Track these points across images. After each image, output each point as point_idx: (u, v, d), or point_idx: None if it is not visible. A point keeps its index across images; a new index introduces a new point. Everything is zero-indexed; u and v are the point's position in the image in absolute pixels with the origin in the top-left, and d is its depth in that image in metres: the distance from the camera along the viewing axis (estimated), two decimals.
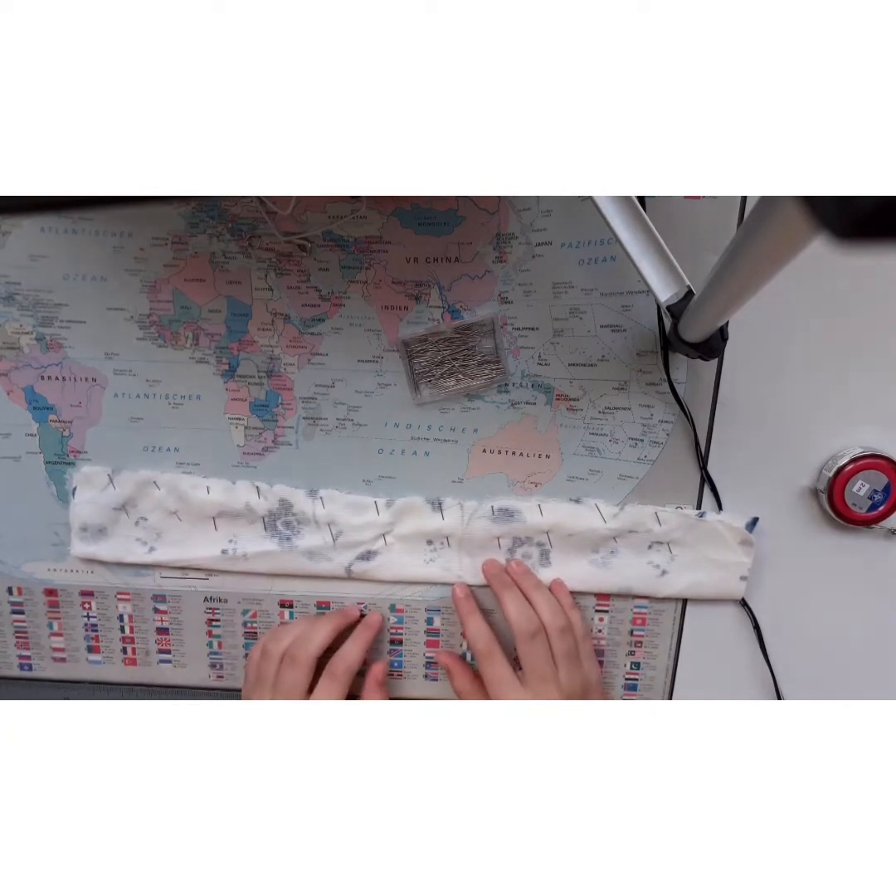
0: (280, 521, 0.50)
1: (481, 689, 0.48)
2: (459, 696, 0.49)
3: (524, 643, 0.46)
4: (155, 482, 0.50)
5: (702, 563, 0.49)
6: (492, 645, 0.47)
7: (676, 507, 0.49)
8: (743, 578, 0.49)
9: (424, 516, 0.50)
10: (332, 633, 0.49)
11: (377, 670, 0.50)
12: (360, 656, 0.49)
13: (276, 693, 0.47)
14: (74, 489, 0.50)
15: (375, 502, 0.50)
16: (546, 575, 0.50)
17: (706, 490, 0.49)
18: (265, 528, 0.50)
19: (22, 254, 0.47)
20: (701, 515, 0.49)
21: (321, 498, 0.50)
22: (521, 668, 0.47)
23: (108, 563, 0.51)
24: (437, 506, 0.50)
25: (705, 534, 0.49)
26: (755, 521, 0.48)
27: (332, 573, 0.51)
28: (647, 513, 0.49)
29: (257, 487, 0.50)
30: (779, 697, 0.51)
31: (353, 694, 0.50)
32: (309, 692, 0.48)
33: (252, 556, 0.50)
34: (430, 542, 0.50)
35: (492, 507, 0.49)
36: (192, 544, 0.51)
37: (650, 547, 0.49)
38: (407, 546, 0.50)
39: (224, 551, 0.50)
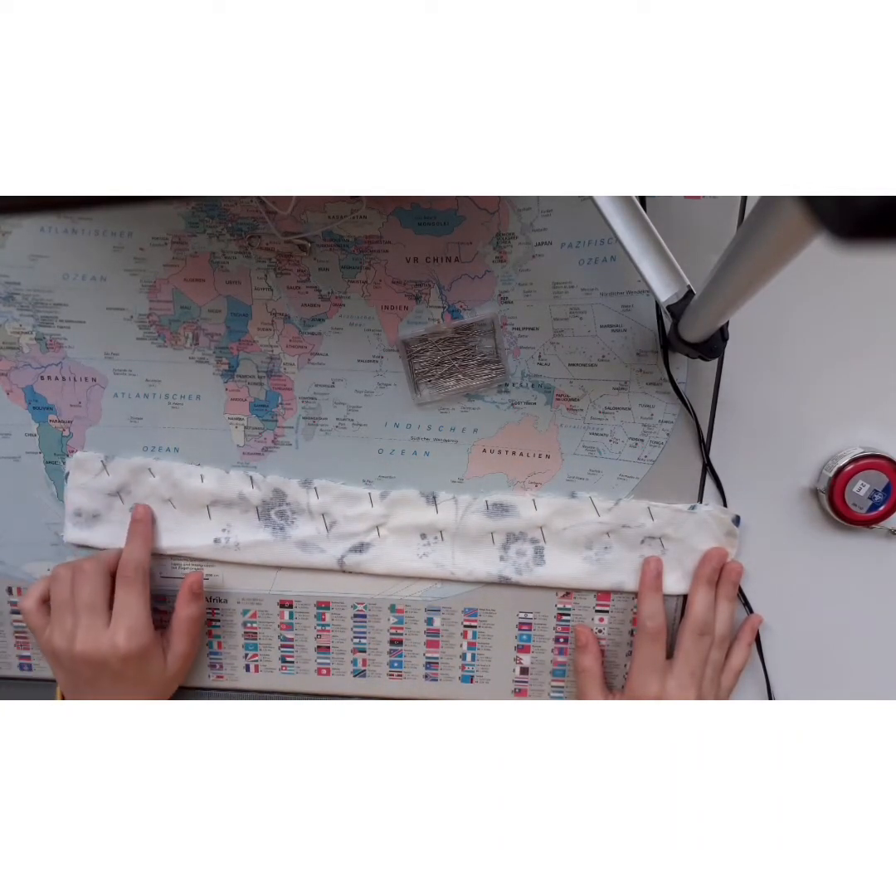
0: (274, 510, 0.50)
1: (601, 672, 0.50)
2: (578, 671, 0.51)
3: (692, 636, 0.47)
4: (149, 469, 0.50)
5: (689, 555, 0.49)
6: (664, 629, 0.48)
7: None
8: None
9: (418, 509, 0.50)
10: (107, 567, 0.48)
11: (193, 579, 0.49)
12: (145, 553, 0.48)
13: (79, 615, 0.46)
14: (67, 474, 0.50)
15: (369, 494, 0.50)
16: (541, 573, 0.50)
17: (708, 490, 0.49)
18: (259, 518, 0.50)
19: (22, 254, 0.47)
20: (692, 508, 0.49)
21: (315, 488, 0.50)
22: (669, 658, 0.48)
23: (99, 549, 0.51)
24: (432, 499, 0.50)
25: (694, 526, 0.49)
26: (737, 519, 0.49)
27: (325, 565, 0.51)
28: (640, 507, 0.49)
29: (251, 477, 0.50)
30: (770, 697, 0.51)
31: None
32: (109, 608, 0.47)
33: (245, 545, 0.50)
34: (423, 536, 0.50)
35: (486, 501, 0.50)
36: (185, 532, 0.50)
37: (642, 542, 0.49)
38: (400, 539, 0.50)
39: (217, 540, 0.50)
